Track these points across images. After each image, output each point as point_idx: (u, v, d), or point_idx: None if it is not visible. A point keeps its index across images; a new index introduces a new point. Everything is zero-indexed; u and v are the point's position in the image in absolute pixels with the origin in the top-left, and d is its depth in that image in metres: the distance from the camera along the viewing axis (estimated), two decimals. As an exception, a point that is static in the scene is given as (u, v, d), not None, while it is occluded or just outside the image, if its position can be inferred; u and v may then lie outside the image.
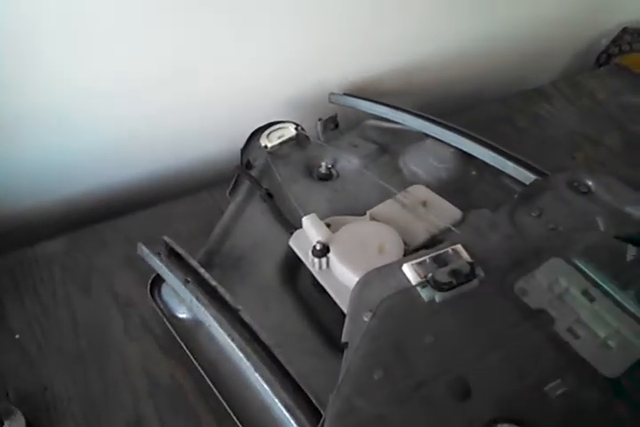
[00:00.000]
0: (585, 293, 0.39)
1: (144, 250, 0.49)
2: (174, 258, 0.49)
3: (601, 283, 0.40)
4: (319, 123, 0.64)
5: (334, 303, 0.45)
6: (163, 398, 0.46)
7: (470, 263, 0.40)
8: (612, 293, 0.39)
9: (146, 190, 0.70)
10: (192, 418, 0.44)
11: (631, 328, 0.38)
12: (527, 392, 0.34)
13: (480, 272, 0.39)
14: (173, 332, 0.47)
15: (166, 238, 0.49)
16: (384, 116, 0.64)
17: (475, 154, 0.56)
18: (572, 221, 0.44)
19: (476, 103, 0.74)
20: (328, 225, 0.49)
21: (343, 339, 0.38)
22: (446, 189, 0.54)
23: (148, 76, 0.60)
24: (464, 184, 0.56)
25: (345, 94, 0.69)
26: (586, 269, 0.40)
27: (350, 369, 0.36)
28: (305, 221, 0.49)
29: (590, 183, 0.48)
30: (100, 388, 0.47)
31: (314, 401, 0.38)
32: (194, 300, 0.44)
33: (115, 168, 0.66)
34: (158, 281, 0.50)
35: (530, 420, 0.32)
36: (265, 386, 0.39)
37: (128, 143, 0.64)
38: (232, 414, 0.41)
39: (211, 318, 0.43)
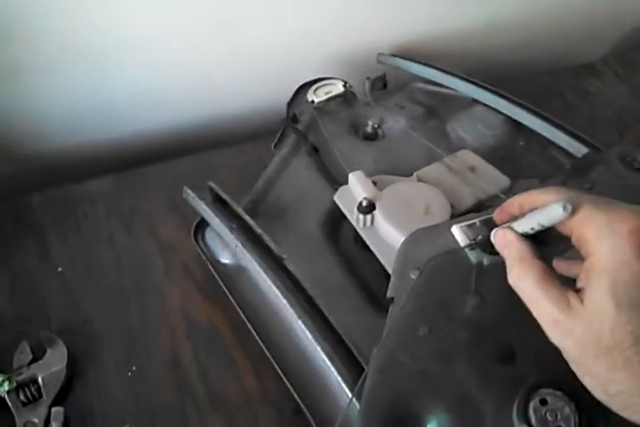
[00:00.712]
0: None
1: (190, 193, 0.49)
2: (219, 204, 0.49)
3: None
4: (367, 81, 0.63)
5: (376, 261, 0.46)
6: (200, 341, 0.47)
7: (519, 229, 0.40)
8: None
9: (191, 137, 0.70)
10: (229, 361, 0.45)
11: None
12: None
13: (529, 238, 0.40)
14: (216, 276, 0.48)
15: (212, 184, 0.49)
16: (433, 79, 0.63)
17: (526, 123, 0.55)
18: (624, 197, 0.44)
19: (522, 74, 0.73)
20: (374, 183, 0.49)
21: (389, 294, 0.38)
22: (493, 156, 0.53)
23: (202, 29, 0.60)
24: (511, 153, 0.56)
25: (393, 55, 0.68)
26: (635, 245, 0.40)
27: (395, 324, 0.36)
28: (351, 177, 0.49)
29: (644, 160, 0.47)
30: (140, 326, 0.48)
31: (355, 353, 0.39)
32: (239, 245, 0.45)
33: (162, 113, 0.66)
34: (202, 226, 0.51)
35: (573, 387, 0.33)
36: (307, 334, 0.39)
37: (176, 90, 0.64)
38: (271, 359, 0.42)
39: (255, 264, 0.43)
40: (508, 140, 0.56)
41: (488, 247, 0.38)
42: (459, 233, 0.40)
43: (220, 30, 0.61)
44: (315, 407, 0.40)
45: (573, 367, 0.28)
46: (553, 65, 0.77)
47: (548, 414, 0.32)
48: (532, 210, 0.31)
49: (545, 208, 0.30)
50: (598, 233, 0.27)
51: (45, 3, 0.51)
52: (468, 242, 0.39)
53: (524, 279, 0.30)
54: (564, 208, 0.28)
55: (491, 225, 0.40)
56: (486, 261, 0.38)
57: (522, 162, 0.55)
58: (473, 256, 0.39)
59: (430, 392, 0.34)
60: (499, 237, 0.33)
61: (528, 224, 0.32)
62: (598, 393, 0.28)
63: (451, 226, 0.41)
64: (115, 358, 0.46)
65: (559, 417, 0.32)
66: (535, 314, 0.29)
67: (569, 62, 0.77)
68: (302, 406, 0.40)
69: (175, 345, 0.46)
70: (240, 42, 0.63)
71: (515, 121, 0.57)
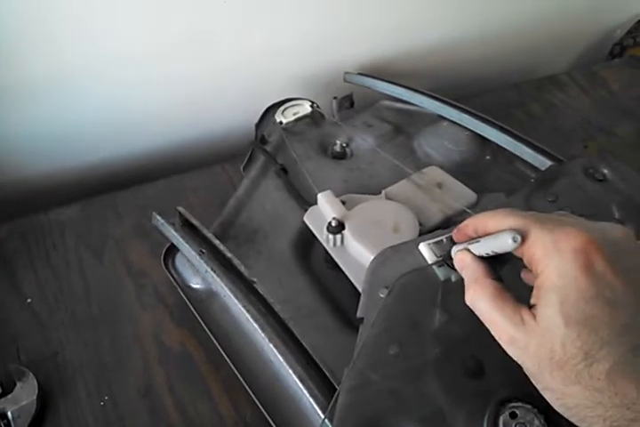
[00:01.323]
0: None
1: (159, 219, 0.49)
2: (188, 229, 0.49)
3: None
4: (334, 101, 0.64)
5: (346, 280, 0.46)
6: (174, 367, 0.46)
7: (486, 245, 0.40)
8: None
9: (159, 161, 0.70)
10: (202, 387, 0.45)
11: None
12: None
13: (496, 253, 0.40)
14: (187, 301, 0.47)
15: (180, 209, 0.49)
16: (399, 96, 0.64)
17: (491, 138, 0.56)
18: (587, 208, 0.45)
19: (489, 89, 0.74)
20: (343, 202, 0.49)
21: (359, 314, 0.39)
22: (460, 172, 0.54)
23: (162, 42, 0.59)
24: (478, 168, 0.57)
25: (360, 74, 0.69)
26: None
27: (366, 344, 0.36)
28: (320, 197, 0.49)
29: (606, 171, 0.48)
30: (112, 354, 0.47)
31: (327, 374, 0.38)
32: (209, 270, 0.44)
33: (130, 139, 0.66)
34: (172, 251, 0.51)
35: (541, 400, 0.33)
36: (279, 357, 0.39)
37: (143, 116, 0.64)
38: (244, 383, 0.42)
39: (226, 289, 0.43)
40: (475, 155, 0.57)
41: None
42: (426, 251, 0.40)
43: (184, 55, 0.61)
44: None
45: (534, 382, 0.29)
46: (520, 79, 0.78)
47: (518, 428, 0.32)
48: (485, 234, 0.32)
49: (496, 237, 0.31)
50: (545, 253, 0.28)
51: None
52: (435, 259, 0.40)
53: (479, 299, 0.31)
54: (514, 240, 0.29)
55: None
56: (454, 277, 0.39)
57: (488, 176, 0.56)
58: (441, 273, 0.39)
59: (402, 410, 0.34)
60: (457, 259, 0.34)
61: (483, 249, 0.32)
62: (557, 406, 0.28)
63: (418, 244, 0.41)
64: (87, 389, 0.45)
65: (529, 431, 0.32)
66: (492, 332, 0.30)
67: (534, 76, 0.78)
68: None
69: (148, 372, 0.46)
70: (205, 65, 0.64)
71: (480, 136, 0.57)
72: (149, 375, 0.46)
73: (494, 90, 0.74)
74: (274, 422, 0.40)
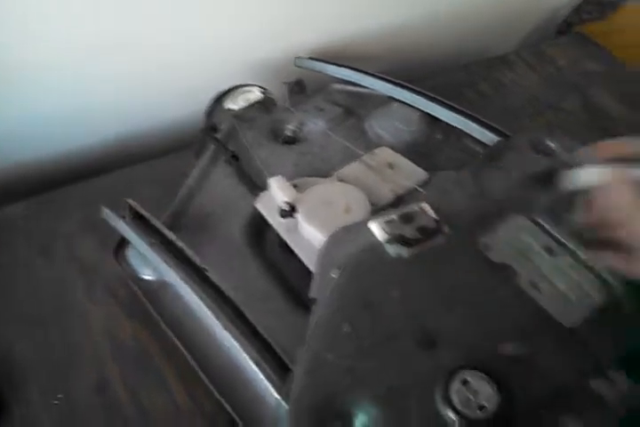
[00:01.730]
0: (546, 248, 0.40)
1: (107, 212, 0.48)
2: (139, 221, 0.48)
3: (561, 238, 0.41)
4: (285, 86, 0.63)
5: (300, 264, 0.45)
6: (127, 361, 0.45)
7: (436, 220, 0.40)
8: (572, 248, 0.41)
9: (110, 155, 0.68)
10: (158, 379, 0.44)
11: (590, 282, 0.39)
12: (491, 342, 0.35)
13: (445, 229, 0.40)
14: (139, 293, 0.46)
15: (130, 201, 0.48)
16: (350, 79, 0.64)
17: (440, 117, 0.56)
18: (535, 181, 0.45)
19: (440, 70, 0.75)
20: (295, 187, 0.49)
21: (311, 295, 0.38)
22: (411, 152, 0.54)
23: (104, 34, 0.57)
24: (429, 147, 0.56)
25: (310, 58, 0.69)
26: (547, 226, 0.41)
27: (318, 324, 0.36)
28: (271, 182, 0.49)
29: (551, 144, 0.49)
30: (63, 352, 0.46)
31: (282, 356, 0.38)
32: (160, 260, 0.44)
33: (76, 133, 0.64)
34: (122, 245, 0.50)
35: (493, 368, 0.33)
36: (233, 342, 0.39)
37: (91, 107, 0.62)
38: (200, 372, 0.41)
39: (177, 278, 0.42)
40: (425, 134, 0.57)
41: (406, 240, 0.39)
42: (377, 229, 0.40)
43: (130, 44, 0.60)
44: (248, 417, 0.39)
45: None
46: (470, 60, 0.79)
47: (469, 395, 0.32)
48: None
49: None
50: None
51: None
52: (386, 237, 0.40)
53: None
54: None
55: (407, 219, 0.41)
56: (405, 254, 0.39)
57: (439, 155, 0.56)
58: (392, 250, 0.39)
59: (357, 388, 0.33)
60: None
61: None
62: None
63: (369, 222, 0.41)
64: (40, 388, 0.44)
65: (481, 396, 0.32)
66: None
67: (484, 56, 0.79)
68: (235, 416, 0.39)
69: (102, 368, 0.45)
70: (151, 55, 0.62)
71: (431, 115, 0.58)
72: (103, 371, 0.45)
73: (445, 71, 0.74)
74: (233, 409, 0.39)
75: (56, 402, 0.43)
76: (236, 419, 0.39)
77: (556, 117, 0.64)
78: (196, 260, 0.43)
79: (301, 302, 0.44)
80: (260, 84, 0.63)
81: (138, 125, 0.68)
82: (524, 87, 0.70)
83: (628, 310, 0.38)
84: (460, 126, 0.55)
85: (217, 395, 0.40)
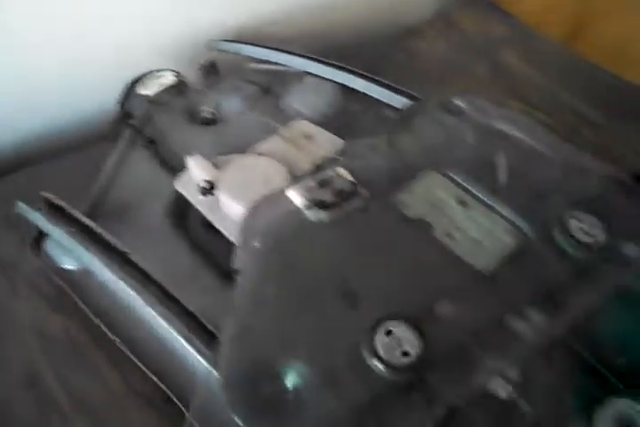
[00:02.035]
0: (459, 201, 0.42)
1: (22, 207, 0.47)
2: (56, 213, 0.47)
3: (473, 191, 0.42)
4: (198, 69, 0.63)
5: (226, 241, 0.46)
6: (57, 354, 0.45)
7: (352, 183, 0.41)
8: (483, 198, 0.42)
9: (25, 152, 0.66)
10: (91, 368, 0.44)
11: (502, 227, 0.41)
12: (411, 292, 0.37)
13: (362, 190, 0.41)
14: (62, 284, 0.45)
15: (45, 194, 0.47)
16: (264, 58, 0.63)
17: (355, 86, 0.57)
18: (445, 139, 0.47)
19: (355, 45, 0.75)
20: (214, 165, 0.49)
21: (235, 266, 0.39)
22: (330, 124, 0.54)
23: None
24: (346, 118, 0.57)
25: (223, 40, 0.68)
26: (459, 180, 0.43)
27: (243, 291, 0.36)
28: (189, 161, 0.48)
29: (461, 105, 0.50)
30: (-11, 350, 0.45)
31: (213, 331, 0.38)
32: (80, 248, 0.43)
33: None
34: (41, 238, 0.49)
35: (414, 316, 0.35)
36: (161, 321, 0.38)
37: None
38: (131, 355, 0.41)
39: (100, 264, 0.42)
40: (341, 105, 0.58)
41: (324, 204, 0.40)
42: (295, 196, 0.41)
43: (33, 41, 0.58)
44: (184, 393, 0.39)
45: None
46: (385, 32, 0.80)
47: (393, 343, 0.33)
48: None
49: None
50: None
51: None
52: (305, 203, 0.40)
53: None
54: None
55: (324, 184, 0.42)
56: (324, 217, 0.40)
57: (357, 125, 0.56)
58: (311, 215, 0.40)
59: (285, 349, 0.34)
60: None
61: None
62: None
63: (287, 191, 0.42)
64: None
65: (404, 344, 0.33)
66: None
67: (399, 27, 0.80)
68: (171, 394, 0.39)
69: (31, 363, 0.44)
70: (62, 47, 0.61)
71: (346, 87, 0.58)
72: (33, 367, 0.44)
73: (359, 45, 0.75)
74: (166, 386, 0.39)
75: (-17, 400, 0.42)
76: (172, 397, 0.39)
77: (466, 82, 0.66)
78: (117, 244, 0.43)
79: (230, 278, 0.44)
80: (173, 69, 0.62)
81: (52, 121, 0.66)
82: (437, 55, 0.72)
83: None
84: (375, 95, 0.56)
85: (150, 375, 0.40)
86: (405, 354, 0.33)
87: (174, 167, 0.52)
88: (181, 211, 0.49)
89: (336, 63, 0.60)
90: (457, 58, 0.71)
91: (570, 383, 0.39)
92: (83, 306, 0.44)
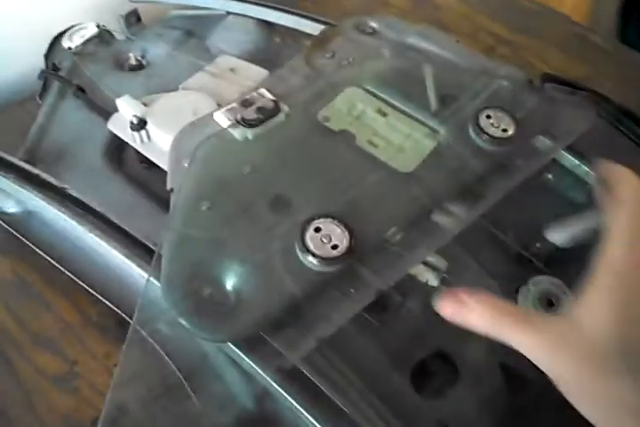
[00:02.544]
0: (379, 111, 0.44)
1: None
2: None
3: (391, 100, 0.44)
4: (120, 18, 0.63)
5: (161, 173, 0.47)
6: (10, 294, 0.46)
7: (274, 101, 0.43)
8: (401, 107, 0.44)
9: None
10: (43, 303, 0.45)
11: (420, 132, 0.43)
12: (338, 193, 0.39)
13: (284, 107, 0.43)
14: (5, 226, 0.46)
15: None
16: (185, 2, 0.64)
17: (275, 20, 0.58)
18: (362, 56, 0.49)
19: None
20: (144, 104, 0.50)
21: (168, 186, 0.40)
22: (254, 60, 0.56)
23: None
24: (269, 52, 0.59)
25: (143, -9, 0.68)
26: (377, 92, 0.45)
27: (178, 207, 0.38)
28: (119, 101, 0.49)
29: (375, 25, 0.52)
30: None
31: (154, 248, 0.40)
32: (19, 189, 0.44)
33: None
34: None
35: (341, 213, 0.37)
36: (104, 245, 0.40)
37: None
38: (83, 284, 0.43)
39: (40, 201, 0.43)
40: (265, 40, 0.59)
41: (248, 122, 0.41)
42: (220, 117, 0.43)
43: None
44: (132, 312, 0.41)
45: None
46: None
47: (323, 238, 0.35)
48: None
49: None
50: None
51: None
52: (229, 122, 0.42)
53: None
54: None
55: (247, 104, 0.43)
56: (250, 135, 0.41)
57: (280, 57, 0.58)
58: (237, 134, 0.41)
59: (222, 254, 0.36)
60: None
61: None
62: None
63: (213, 115, 0.43)
64: None
65: (333, 239, 0.35)
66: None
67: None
68: (122, 314, 0.41)
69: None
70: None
71: (267, 23, 0.60)
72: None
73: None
74: (117, 307, 0.41)
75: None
76: (124, 315, 0.41)
77: (384, 11, 0.67)
78: (55, 181, 0.44)
79: (168, 206, 0.46)
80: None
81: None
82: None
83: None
84: (293, 25, 0.57)
85: (101, 298, 0.41)
86: (334, 247, 0.35)
87: (106, 112, 0.53)
88: (117, 150, 0.51)
89: (256, 1, 0.61)
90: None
91: (496, 269, 0.42)
92: (29, 244, 0.45)
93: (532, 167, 0.43)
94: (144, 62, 0.59)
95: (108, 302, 0.41)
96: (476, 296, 0.29)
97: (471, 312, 0.29)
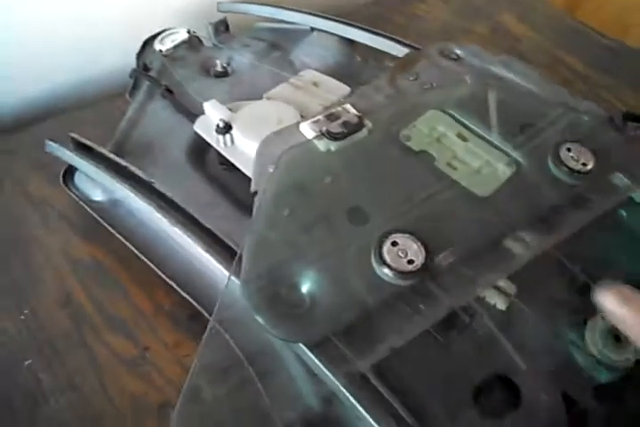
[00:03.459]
0: (459, 135, 0.45)
1: (52, 144, 0.50)
2: (83, 150, 0.50)
3: (472, 126, 0.46)
4: (210, 26, 0.66)
5: (242, 176, 0.49)
6: (88, 276, 0.48)
7: (358, 116, 0.44)
8: (481, 133, 0.45)
9: (50, 104, 0.69)
10: (119, 288, 0.48)
11: (499, 158, 0.44)
12: (416, 210, 0.40)
13: (368, 123, 0.44)
14: (91, 211, 0.49)
15: (73, 135, 0.50)
16: (273, 16, 0.67)
17: (358, 39, 0.60)
18: (444, 81, 0.50)
19: (356, 9, 0.78)
20: (230, 110, 0.52)
21: (252, 189, 0.42)
22: (335, 76, 0.58)
23: None
24: (350, 69, 0.61)
25: (232, 2, 0.71)
26: (459, 116, 0.46)
27: (260, 210, 0.40)
28: (206, 105, 0.51)
29: (459, 52, 0.53)
30: (25, 277, 0.48)
31: (233, 247, 0.42)
32: (108, 178, 0.46)
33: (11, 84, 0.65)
34: (69, 174, 0.52)
35: (418, 230, 0.38)
36: (186, 239, 0.42)
37: (24, 56, 0.64)
38: (160, 273, 0.44)
39: (128, 192, 0.45)
40: (346, 57, 0.61)
41: (333, 135, 0.43)
42: (305, 128, 0.44)
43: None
44: (208, 306, 0.43)
45: None
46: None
47: (399, 253, 0.37)
48: None
49: None
50: None
51: None
52: (315, 133, 0.44)
53: None
54: None
55: (332, 118, 0.45)
56: (333, 147, 0.43)
57: (361, 75, 0.60)
58: (321, 145, 0.43)
59: (299, 258, 0.37)
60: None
61: None
62: None
63: (299, 125, 0.45)
64: (4, 308, 0.46)
65: (409, 254, 0.37)
66: None
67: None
68: (197, 305, 0.42)
69: (64, 285, 0.48)
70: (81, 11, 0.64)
71: (350, 40, 0.62)
72: (65, 287, 0.48)
73: (360, 7, 0.78)
74: (196, 301, 0.43)
75: (22, 317, 0.45)
76: (199, 308, 0.42)
77: (467, 40, 0.69)
78: (143, 175, 0.46)
79: (249, 210, 0.48)
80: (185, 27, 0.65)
81: (78, 76, 0.70)
82: (437, 17, 0.75)
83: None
84: (376, 45, 0.59)
85: (178, 289, 0.43)
86: (410, 262, 0.36)
87: (191, 114, 0.55)
88: (201, 151, 0.53)
89: (340, 19, 0.63)
90: (457, 20, 0.74)
91: (564, 298, 0.42)
92: (113, 231, 0.48)
93: (608, 203, 0.44)
94: (229, 70, 0.62)
95: (183, 293, 0.43)
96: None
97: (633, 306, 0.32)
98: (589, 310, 0.39)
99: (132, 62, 0.63)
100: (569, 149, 0.43)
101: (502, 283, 0.40)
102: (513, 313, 0.39)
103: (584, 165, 0.43)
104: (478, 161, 0.44)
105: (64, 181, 0.52)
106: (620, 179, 0.44)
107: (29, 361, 0.43)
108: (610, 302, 0.33)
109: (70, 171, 0.52)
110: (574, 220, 0.42)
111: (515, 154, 0.44)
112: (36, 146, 0.56)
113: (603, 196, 0.43)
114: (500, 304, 0.40)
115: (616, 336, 0.37)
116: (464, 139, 0.45)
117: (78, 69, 0.70)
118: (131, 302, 0.46)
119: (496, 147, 0.45)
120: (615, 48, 0.71)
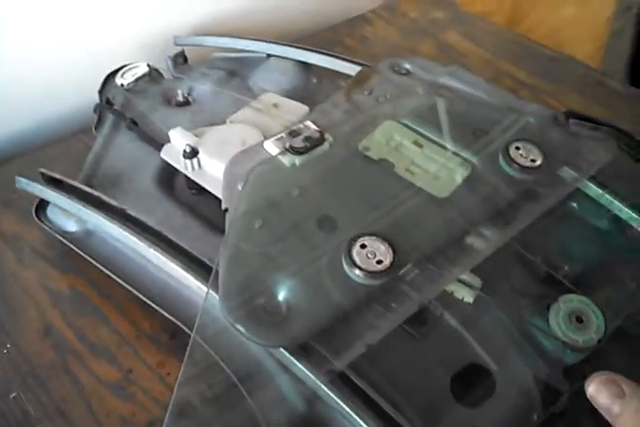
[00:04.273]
0: (415, 142, 0.48)
1: (22, 180, 0.51)
2: (55, 183, 0.52)
3: (426, 133, 0.48)
4: (168, 58, 0.68)
5: (213, 198, 0.51)
6: (67, 307, 0.49)
7: (319, 131, 0.47)
8: (436, 139, 0.48)
9: (15, 144, 0.70)
10: (99, 316, 0.48)
11: (454, 161, 0.46)
12: (380, 214, 0.42)
13: (329, 137, 0.47)
14: (66, 242, 0.50)
15: (42, 170, 0.52)
16: (228, 46, 0.69)
17: (312, 61, 0.63)
18: (397, 93, 0.53)
19: (309, 34, 0.82)
20: (195, 136, 0.54)
21: (223, 206, 0.44)
22: (293, 98, 0.60)
23: None
24: (307, 91, 0.63)
25: (188, 35, 0.74)
26: (413, 125, 0.49)
27: (233, 224, 0.41)
28: (172, 132, 0.53)
29: (408, 66, 0.57)
30: (4, 311, 0.49)
31: (208, 263, 0.43)
32: (81, 208, 0.47)
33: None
34: (41, 209, 0.53)
35: (385, 232, 0.40)
36: (163, 259, 0.43)
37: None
38: (138, 294, 0.45)
39: (102, 219, 0.46)
40: (302, 80, 0.64)
41: (296, 150, 0.45)
42: (270, 146, 0.47)
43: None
44: (189, 324, 0.43)
45: None
46: (335, 21, 0.86)
47: (368, 254, 0.38)
48: None
49: None
50: None
51: None
52: (279, 150, 0.46)
53: None
54: None
55: (294, 134, 0.47)
56: (297, 161, 0.45)
57: (318, 95, 0.62)
58: (286, 160, 0.45)
59: (273, 268, 0.39)
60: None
61: None
62: None
63: (263, 143, 0.47)
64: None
65: (378, 255, 0.38)
66: None
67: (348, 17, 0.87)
68: (180, 324, 0.43)
69: (44, 316, 0.48)
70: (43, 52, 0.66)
71: (305, 63, 0.65)
72: (46, 319, 0.48)
73: (314, 33, 0.81)
74: (177, 319, 0.44)
75: (5, 351, 0.46)
76: (180, 324, 0.43)
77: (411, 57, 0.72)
78: (114, 202, 0.47)
79: (218, 229, 0.50)
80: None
81: (40, 115, 0.71)
82: (385, 39, 0.78)
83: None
84: (330, 66, 0.62)
85: (158, 309, 0.44)
86: (379, 262, 0.38)
87: (157, 143, 0.57)
88: (168, 177, 0.55)
89: (294, 44, 0.66)
90: (404, 40, 0.78)
91: (527, 287, 0.44)
92: (89, 259, 0.49)
93: (558, 195, 0.46)
94: (190, 99, 0.64)
95: (163, 311, 0.44)
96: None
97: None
98: (551, 297, 0.41)
99: (94, 98, 0.65)
100: (518, 148, 0.46)
101: (468, 277, 0.43)
102: (480, 305, 0.41)
103: (533, 161, 0.46)
104: (435, 165, 0.46)
105: (36, 215, 0.52)
106: (567, 172, 0.47)
107: (14, 394, 0.43)
108: (604, 397, 0.31)
109: (42, 205, 0.53)
110: (529, 213, 0.45)
111: (468, 156, 0.47)
112: (3, 185, 0.58)
113: (553, 189, 0.46)
114: (468, 297, 0.42)
115: (578, 318, 0.40)
116: (420, 146, 0.48)
117: (40, 108, 0.71)
118: (112, 328, 0.47)
119: (451, 151, 0.47)
120: (556, 57, 0.76)
